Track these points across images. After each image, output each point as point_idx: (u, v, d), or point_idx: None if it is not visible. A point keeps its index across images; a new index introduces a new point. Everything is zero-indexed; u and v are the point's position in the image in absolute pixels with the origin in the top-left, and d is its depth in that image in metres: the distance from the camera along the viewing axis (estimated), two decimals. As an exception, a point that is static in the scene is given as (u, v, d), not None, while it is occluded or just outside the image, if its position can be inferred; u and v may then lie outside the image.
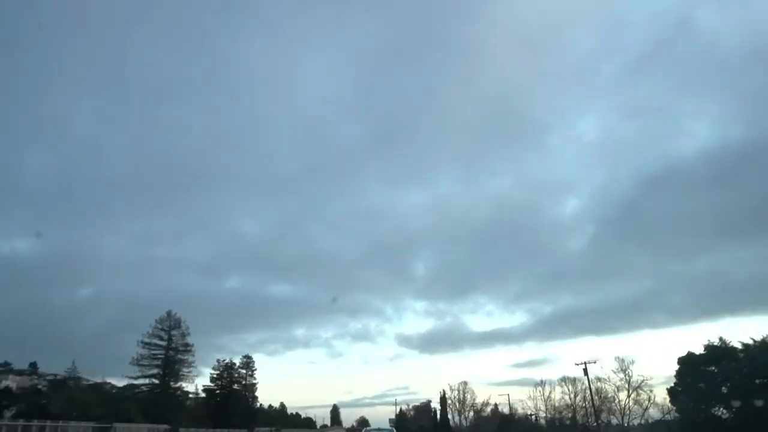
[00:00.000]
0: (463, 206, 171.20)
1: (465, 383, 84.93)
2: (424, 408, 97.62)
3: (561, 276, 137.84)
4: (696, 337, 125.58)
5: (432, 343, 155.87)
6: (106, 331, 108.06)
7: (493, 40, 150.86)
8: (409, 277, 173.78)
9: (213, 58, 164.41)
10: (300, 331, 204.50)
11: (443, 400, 60.82)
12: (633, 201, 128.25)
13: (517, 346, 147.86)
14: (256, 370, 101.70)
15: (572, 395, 59.28)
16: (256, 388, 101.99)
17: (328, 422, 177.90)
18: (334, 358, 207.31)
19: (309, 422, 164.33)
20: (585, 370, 49.61)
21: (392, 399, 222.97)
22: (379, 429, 28.41)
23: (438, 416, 62.79)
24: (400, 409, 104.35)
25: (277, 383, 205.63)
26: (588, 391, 57.65)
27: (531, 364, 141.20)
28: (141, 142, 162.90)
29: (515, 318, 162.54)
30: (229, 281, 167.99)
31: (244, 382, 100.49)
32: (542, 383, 63.72)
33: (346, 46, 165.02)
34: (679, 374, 32.78)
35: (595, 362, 50.89)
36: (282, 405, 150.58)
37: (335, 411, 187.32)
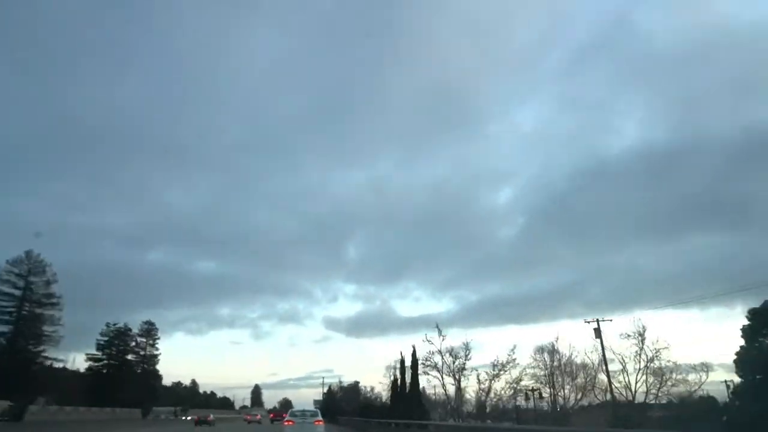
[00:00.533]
0: (400, 190, 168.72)
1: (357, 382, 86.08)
2: (353, 389, 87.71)
3: (489, 265, 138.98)
4: (611, 328, 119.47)
5: (359, 326, 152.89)
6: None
7: (438, 23, 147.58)
8: (340, 259, 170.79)
9: (143, 20, 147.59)
10: (225, 310, 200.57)
11: (415, 361, 45.50)
12: (563, 194, 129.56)
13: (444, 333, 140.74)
14: (158, 338, 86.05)
15: (545, 369, 48.71)
16: (158, 361, 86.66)
17: (248, 403, 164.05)
18: (260, 338, 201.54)
19: (225, 402, 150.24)
20: (597, 330, 39.87)
21: (317, 381, 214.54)
22: (303, 411, 26.44)
23: (405, 380, 47.50)
24: (329, 388, 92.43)
25: (198, 363, 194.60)
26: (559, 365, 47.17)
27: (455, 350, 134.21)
28: (60, 99, 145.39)
29: (442, 304, 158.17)
30: (152, 254, 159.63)
31: (143, 353, 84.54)
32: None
33: (287, 19, 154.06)
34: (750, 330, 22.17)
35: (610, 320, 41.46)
36: (194, 383, 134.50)
37: (257, 391, 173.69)
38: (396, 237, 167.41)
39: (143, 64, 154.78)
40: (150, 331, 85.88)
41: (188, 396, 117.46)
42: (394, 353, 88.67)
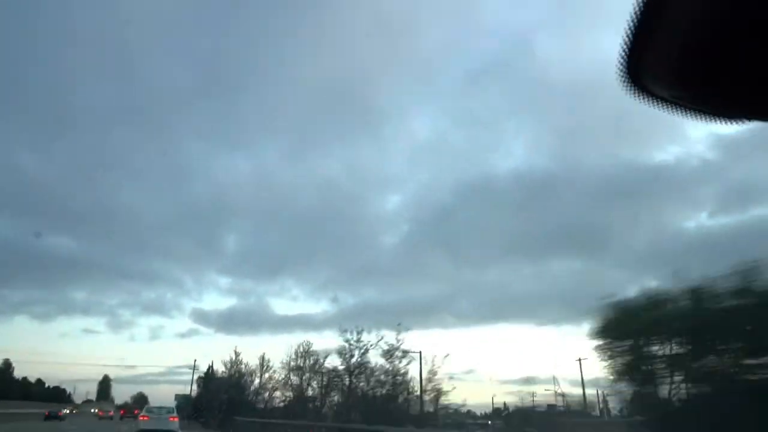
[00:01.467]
0: (287, 184, 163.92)
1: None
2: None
3: (370, 269, 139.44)
4: (478, 336, 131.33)
5: (231, 322, 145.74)
6: None
7: (349, 16, 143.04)
8: (216, 250, 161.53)
9: None
10: (80, 295, 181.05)
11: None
12: (448, 207, 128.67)
13: (317, 334, 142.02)
14: None
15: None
16: None
17: (93, 397, 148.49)
18: (118, 328, 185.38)
19: (55, 394, 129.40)
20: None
21: (179, 377, 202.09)
22: (159, 407, 28.30)
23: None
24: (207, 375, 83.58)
25: (41, 352, 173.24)
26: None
27: (326, 352, 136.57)
28: None
29: (319, 306, 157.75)
30: None
31: None
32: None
33: None
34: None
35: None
36: (7, 364, 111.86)
37: (105, 383, 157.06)
38: (277, 232, 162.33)
39: None
40: None
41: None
42: (266, 352, 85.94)
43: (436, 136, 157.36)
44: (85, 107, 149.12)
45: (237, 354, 44.18)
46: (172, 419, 25.25)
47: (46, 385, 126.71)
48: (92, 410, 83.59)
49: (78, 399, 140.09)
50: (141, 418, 26.12)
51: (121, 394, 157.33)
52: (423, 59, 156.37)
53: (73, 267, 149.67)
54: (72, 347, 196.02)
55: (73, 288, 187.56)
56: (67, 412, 60.16)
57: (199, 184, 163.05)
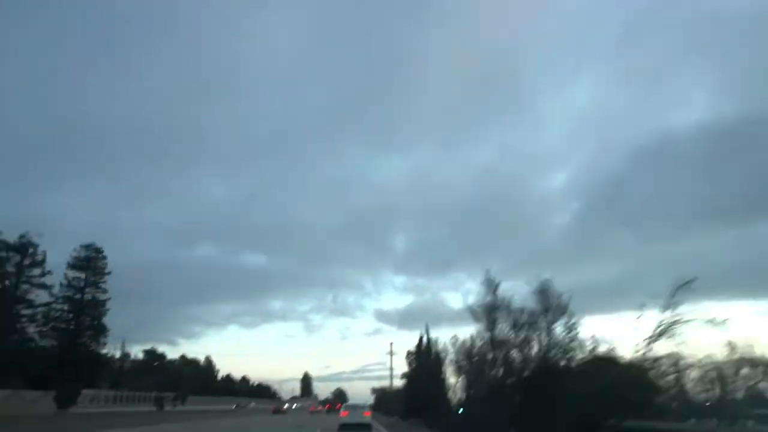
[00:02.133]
0: (445, 177, 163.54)
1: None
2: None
3: (542, 254, 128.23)
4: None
5: (410, 319, 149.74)
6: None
7: None
8: (388, 250, 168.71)
9: (162, 13, 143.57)
10: (276, 304, 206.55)
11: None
12: (621, 177, 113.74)
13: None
14: (107, 273, 56.73)
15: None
16: (106, 310, 55.31)
17: (297, 394, 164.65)
18: (311, 332, 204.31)
19: (259, 391, 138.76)
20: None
21: (370, 374, 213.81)
22: (355, 404, 32.84)
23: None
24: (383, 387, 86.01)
25: (251, 356, 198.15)
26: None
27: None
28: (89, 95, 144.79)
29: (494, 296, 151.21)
30: (200, 249, 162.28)
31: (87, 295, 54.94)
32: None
33: (319, 1, 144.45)
34: None
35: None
36: (208, 361, 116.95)
37: (306, 381, 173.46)
38: (443, 226, 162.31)
39: (163, 52, 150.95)
40: (91, 261, 55.58)
41: (200, 379, 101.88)
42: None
43: (596, 103, 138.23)
44: (256, 136, 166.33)
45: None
46: (365, 414, 29.80)
47: (251, 383, 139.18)
48: (294, 406, 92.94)
49: (284, 396, 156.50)
50: (342, 414, 30.26)
51: (322, 391, 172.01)
52: (568, 22, 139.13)
53: (268, 279, 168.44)
54: (274, 350, 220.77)
55: (271, 298, 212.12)
56: (285, 408, 74.95)
57: (363, 190, 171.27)
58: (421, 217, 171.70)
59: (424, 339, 42.24)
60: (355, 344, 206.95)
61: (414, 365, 47.22)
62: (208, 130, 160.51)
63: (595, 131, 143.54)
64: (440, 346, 37.46)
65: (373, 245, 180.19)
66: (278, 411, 67.28)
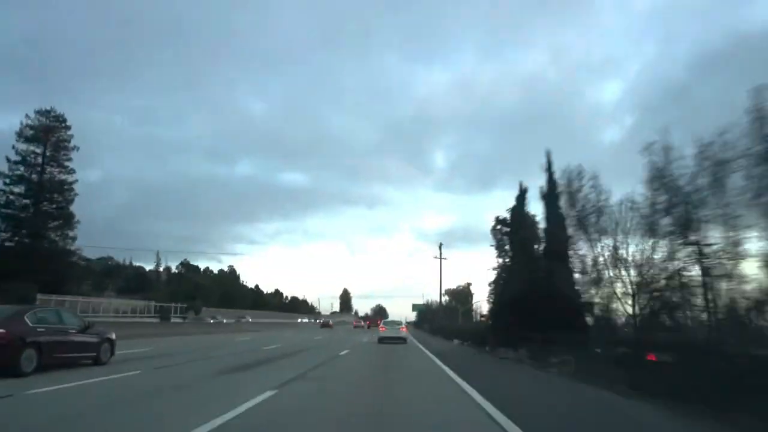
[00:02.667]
0: (488, 87, 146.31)
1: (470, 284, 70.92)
2: (463, 293, 72.01)
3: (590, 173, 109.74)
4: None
5: (451, 238, 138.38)
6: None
7: None
8: (427, 167, 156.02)
9: None
10: (315, 222, 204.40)
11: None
12: (683, 85, 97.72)
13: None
14: (72, 149, 43.31)
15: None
16: (73, 196, 43.43)
17: (337, 309, 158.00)
18: (351, 251, 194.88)
19: (297, 306, 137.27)
20: None
21: (408, 293, 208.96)
22: (392, 321, 35.44)
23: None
24: (427, 302, 77.30)
25: (291, 274, 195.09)
26: None
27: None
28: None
29: (538, 216, 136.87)
30: (240, 167, 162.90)
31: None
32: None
33: None
34: None
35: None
36: (233, 272, 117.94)
37: (345, 297, 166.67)
38: (485, 141, 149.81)
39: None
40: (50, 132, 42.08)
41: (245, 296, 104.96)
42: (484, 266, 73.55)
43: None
44: (292, 41, 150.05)
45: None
46: (401, 329, 31.98)
47: (284, 297, 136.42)
48: (329, 322, 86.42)
49: (324, 311, 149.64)
50: (381, 329, 32.72)
51: (361, 307, 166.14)
52: None
53: (308, 197, 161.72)
54: (314, 269, 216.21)
55: (311, 217, 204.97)
56: (330, 322, 77.13)
57: (402, 103, 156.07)
58: (462, 132, 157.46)
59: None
60: (394, 263, 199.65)
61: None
62: (242, 37, 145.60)
63: (656, 33, 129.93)
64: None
65: (412, 161, 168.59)
66: (326, 325, 71.73)
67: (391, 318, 40.48)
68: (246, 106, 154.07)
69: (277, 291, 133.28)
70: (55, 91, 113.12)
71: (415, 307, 72.96)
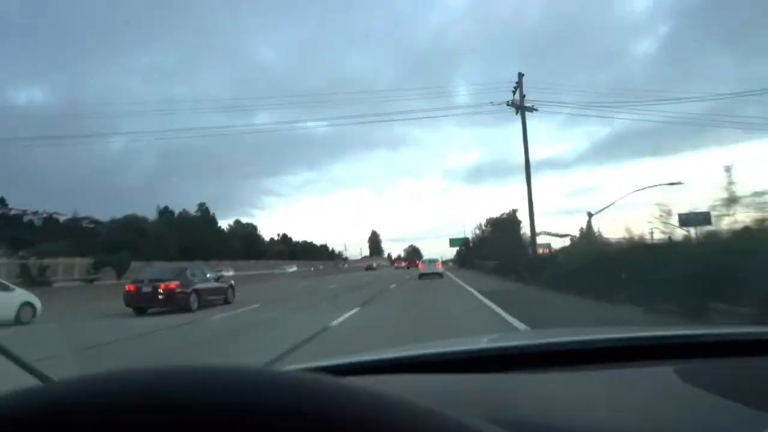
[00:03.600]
0: (508, 3, 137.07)
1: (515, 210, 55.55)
2: (510, 222, 56.72)
3: (623, 90, 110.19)
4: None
5: (479, 174, 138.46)
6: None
7: None
8: (450, 101, 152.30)
9: None
10: (341, 169, 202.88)
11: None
12: None
13: (569, 173, 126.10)
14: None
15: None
16: None
17: (367, 253, 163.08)
18: (379, 194, 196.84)
19: (316, 251, 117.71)
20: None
21: (440, 232, 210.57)
22: (430, 259, 37.79)
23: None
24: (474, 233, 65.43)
25: (320, 223, 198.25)
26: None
27: (582, 192, 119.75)
28: None
29: (569, 142, 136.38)
30: (258, 118, 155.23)
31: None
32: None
33: None
34: None
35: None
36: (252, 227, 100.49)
37: (374, 239, 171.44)
38: (509, 66, 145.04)
39: None
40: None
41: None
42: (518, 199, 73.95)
43: None
44: None
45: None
46: (437, 266, 35.22)
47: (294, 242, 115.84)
48: (372, 264, 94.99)
49: (352, 257, 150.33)
50: (420, 266, 36.95)
51: (393, 250, 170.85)
52: None
53: (331, 145, 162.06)
54: (343, 215, 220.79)
55: (335, 164, 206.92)
56: (374, 265, 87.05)
57: (418, 31, 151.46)
58: (485, 58, 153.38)
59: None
60: (423, 203, 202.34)
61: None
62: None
63: None
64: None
65: (433, 96, 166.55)
66: (370, 268, 78.04)
67: (426, 257, 42.78)
68: (258, 53, 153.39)
69: (285, 236, 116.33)
70: (66, 54, 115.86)
71: (453, 242, 64.12)
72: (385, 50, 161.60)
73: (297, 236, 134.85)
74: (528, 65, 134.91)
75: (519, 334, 4.31)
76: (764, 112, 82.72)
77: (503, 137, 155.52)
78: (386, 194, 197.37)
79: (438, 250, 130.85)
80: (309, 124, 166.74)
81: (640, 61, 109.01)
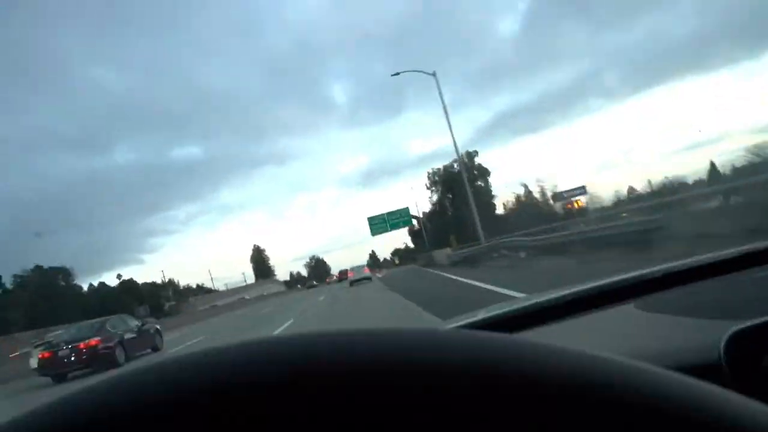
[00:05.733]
0: None
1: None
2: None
3: (495, 72, 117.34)
4: (628, 115, 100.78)
5: (373, 176, 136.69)
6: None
7: None
8: (328, 106, 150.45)
9: None
10: (229, 195, 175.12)
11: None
12: None
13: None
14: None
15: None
16: None
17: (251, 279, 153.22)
18: (274, 214, 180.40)
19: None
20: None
21: (350, 242, 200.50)
22: (358, 266, 37.94)
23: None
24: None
25: (215, 256, 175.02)
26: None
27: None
28: None
29: (454, 131, 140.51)
30: (119, 153, 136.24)
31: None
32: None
33: None
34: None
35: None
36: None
37: (258, 257, 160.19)
38: (379, 58, 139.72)
39: None
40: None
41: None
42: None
43: None
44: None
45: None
46: (366, 271, 35.94)
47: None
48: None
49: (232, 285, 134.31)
50: (349, 274, 37.27)
51: (295, 269, 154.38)
52: None
53: (211, 170, 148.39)
54: (238, 244, 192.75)
55: (221, 190, 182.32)
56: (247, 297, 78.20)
57: (277, 33, 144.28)
58: (352, 55, 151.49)
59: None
60: (324, 216, 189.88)
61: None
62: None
63: None
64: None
65: (309, 102, 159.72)
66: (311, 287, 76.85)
67: (355, 265, 39.01)
68: (96, 78, 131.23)
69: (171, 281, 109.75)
70: None
71: (377, 227, 45.92)
72: (242, 55, 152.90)
73: (193, 274, 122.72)
74: (398, 55, 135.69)
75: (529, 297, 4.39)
76: (621, 76, 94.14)
77: (387, 134, 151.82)
78: (282, 213, 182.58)
79: (350, 258, 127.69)
80: (179, 151, 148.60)
81: (506, 40, 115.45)
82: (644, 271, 1.14)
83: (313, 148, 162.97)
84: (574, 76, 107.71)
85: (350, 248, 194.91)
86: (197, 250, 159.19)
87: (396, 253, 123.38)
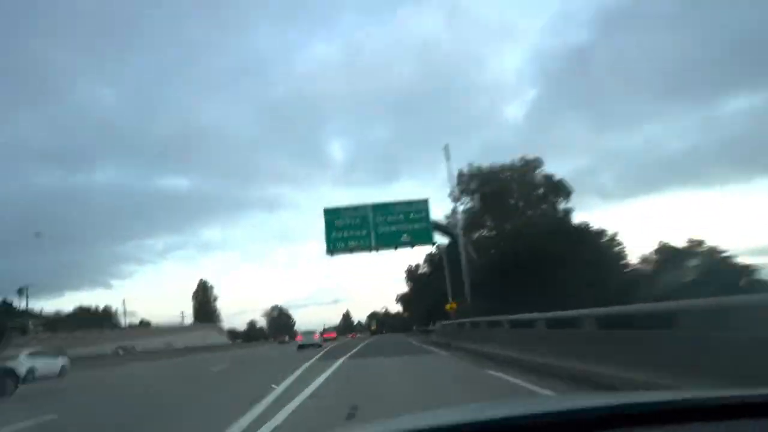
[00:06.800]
0: (378, 57, 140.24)
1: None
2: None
3: (494, 153, 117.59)
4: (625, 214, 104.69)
5: None
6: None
7: None
8: (324, 161, 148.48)
9: None
10: (211, 233, 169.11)
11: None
12: (585, 48, 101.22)
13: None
14: None
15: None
16: None
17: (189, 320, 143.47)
18: (254, 262, 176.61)
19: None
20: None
21: (325, 299, 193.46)
22: (308, 331, 39.42)
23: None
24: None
25: (188, 294, 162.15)
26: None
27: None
28: None
29: (447, 204, 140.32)
30: (102, 174, 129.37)
31: None
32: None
33: None
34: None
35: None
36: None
37: (203, 296, 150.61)
38: (382, 123, 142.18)
39: None
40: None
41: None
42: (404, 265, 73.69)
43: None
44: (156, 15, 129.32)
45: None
46: (315, 336, 36.56)
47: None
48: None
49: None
50: (297, 338, 39.55)
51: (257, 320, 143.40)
52: None
53: (197, 205, 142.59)
54: (218, 285, 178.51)
55: (204, 226, 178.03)
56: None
57: (281, 81, 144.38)
58: (354, 114, 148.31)
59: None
60: (303, 271, 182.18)
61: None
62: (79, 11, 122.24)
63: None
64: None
65: (304, 156, 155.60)
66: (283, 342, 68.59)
67: (307, 328, 43.76)
68: (90, 97, 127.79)
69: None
70: None
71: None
72: (244, 99, 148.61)
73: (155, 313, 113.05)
74: (401, 123, 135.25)
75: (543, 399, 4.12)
76: (618, 178, 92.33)
77: (380, 199, 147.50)
78: (261, 260, 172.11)
79: (323, 316, 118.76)
80: (167, 182, 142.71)
81: (511, 125, 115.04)
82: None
83: (303, 200, 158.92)
84: (570, 171, 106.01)
85: (321, 306, 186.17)
86: (157, 283, 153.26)
87: (374, 316, 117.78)
